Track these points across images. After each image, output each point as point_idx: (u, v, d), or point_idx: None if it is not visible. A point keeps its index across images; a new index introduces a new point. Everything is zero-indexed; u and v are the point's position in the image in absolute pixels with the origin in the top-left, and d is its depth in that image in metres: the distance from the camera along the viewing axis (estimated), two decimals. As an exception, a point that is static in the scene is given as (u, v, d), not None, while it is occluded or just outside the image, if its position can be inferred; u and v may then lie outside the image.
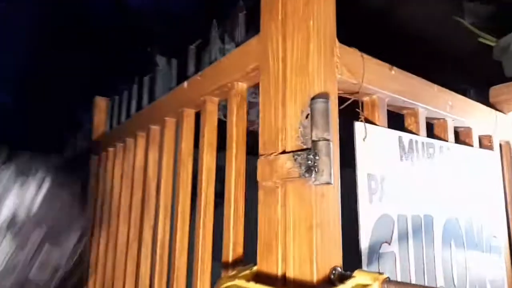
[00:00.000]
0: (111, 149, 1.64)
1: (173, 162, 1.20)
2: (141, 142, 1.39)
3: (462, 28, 1.43)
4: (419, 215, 0.81)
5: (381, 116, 0.79)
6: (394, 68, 0.81)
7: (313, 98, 0.64)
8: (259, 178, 0.71)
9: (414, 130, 0.88)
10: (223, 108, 1.07)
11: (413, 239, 0.78)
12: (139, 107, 1.51)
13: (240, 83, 0.88)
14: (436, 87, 0.91)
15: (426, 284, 0.79)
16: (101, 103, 1.88)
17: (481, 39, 1.36)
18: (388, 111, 0.87)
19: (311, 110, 0.63)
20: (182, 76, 1.21)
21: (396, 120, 0.92)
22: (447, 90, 0.94)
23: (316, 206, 0.61)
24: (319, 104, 0.62)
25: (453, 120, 0.97)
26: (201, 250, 0.90)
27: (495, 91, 1.20)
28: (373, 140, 0.74)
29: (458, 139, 1.06)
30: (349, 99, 0.78)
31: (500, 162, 1.11)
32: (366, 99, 0.80)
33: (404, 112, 0.90)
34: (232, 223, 0.81)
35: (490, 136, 1.10)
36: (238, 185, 0.83)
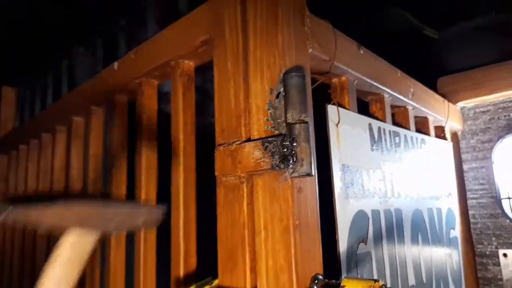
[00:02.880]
0: (23, 147, 1.38)
1: (102, 160, 1.01)
2: (61, 137, 1.17)
3: (405, 20, 1.43)
4: (390, 209, 0.74)
5: (351, 100, 0.71)
6: (362, 47, 0.73)
7: (286, 73, 0.52)
8: (217, 172, 0.58)
9: (380, 117, 0.81)
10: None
11: (386, 236, 0.71)
12: (56, 96, 1.28)
13: (186, 61, 0.74)
14: (399, 72, 0.86)
15: (400, 285, 0.72)
16: (9, 94, 1.59)
17: (425, 32, 1.36)
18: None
19: (285, 87, 0.52)
20: (111, 57, 1.03)
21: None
22: (408, 76, 0.89)
23: (293, 203, 0.50)
24: (295, 79, 0.51)
25: (413, 109, 0.93)
26: (142, 267, 0.74)
27: (442, 82, 1.20)
28: (345, 126, 0.65)
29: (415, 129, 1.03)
30: (317, 80, 0.68)
31: (452, 152, 1.11)
32: (335, 80, 0.71)
33: (369, 98, 0.83)
34: (182, 230, 0.66)
35: (443, 127, 1.08)
36: (188, 183, 0.69)
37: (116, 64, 0.91)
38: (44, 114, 1.27)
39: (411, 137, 0.87)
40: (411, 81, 0.90)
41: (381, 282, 0.46)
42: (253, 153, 0.53)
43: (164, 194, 0.76)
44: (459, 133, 1.19)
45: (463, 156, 1.18)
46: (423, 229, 0.84)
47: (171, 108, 0.75)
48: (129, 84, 0.86)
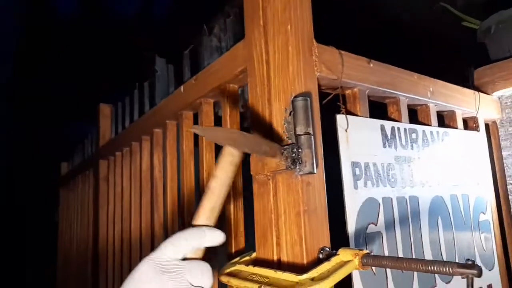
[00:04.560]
0: (118, 153, 1.72)
1: (176, 162, 1.27)
2: (146, 145, 1.46)
3: (446, 12, 1.47)
4: (404, 196, 0.87)
5: (363, 107, 0.85)
6: (373, 61, 0.87)
7: (294, 97, 0.70)
8: (252, 172, 0.78)
9: (396, 118, 0.93)
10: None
11: (399, 219, 0.84)
12: (141, 111, 1.59)
13: (231, 85, 0.95)
14: (416, 75, 0.97)
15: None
16: (105, 110, 1.96)
17: (465, 23, 1.40)
18: (373, 101, 0.94)
19: (293, 107, 0.69)
20: (179, 79, 1.28)
21: (384, 108, 0.98)
22: (427, 77, 0.99)
23: (303, 194, 0.68)
24: (300, 102, 0.68)
25: (435, 105, 1.03)
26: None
27: (478, 73, 1.25)
28: (355, 130, 0.80)
29: (443, 123, 1.11)
30: (330, 94, 0.84)
31: (486, 141, 1.16)
32: (348, 92, 0.86)
33: (387, 101, 0.96)
34: (233, 216, 0.88)
35: (475, 118, 1.15)
36: (236, 180, 0.90)
37: (182, 88, 1.15)
38: (133, 127, 1.59)
39: (431, 132, 0.97)
40: (429, 81, 1.00)
41: (366, 251, 0.62)
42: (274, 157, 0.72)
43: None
44: (498, 122, 1.23)
45: (502, 143, 1.22)
46: (444, 213, 0.95)
47: (222, 122, 0.97)
48: (193, 103, 1.10)
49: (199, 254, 0.57)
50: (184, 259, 0.55)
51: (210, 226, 0.59)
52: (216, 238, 0.58)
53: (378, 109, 0.97)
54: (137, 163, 1.52)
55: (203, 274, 0.54)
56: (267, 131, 0.75)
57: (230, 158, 0.62)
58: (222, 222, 0.91)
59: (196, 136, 1.13)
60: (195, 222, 0.59)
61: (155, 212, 1.34)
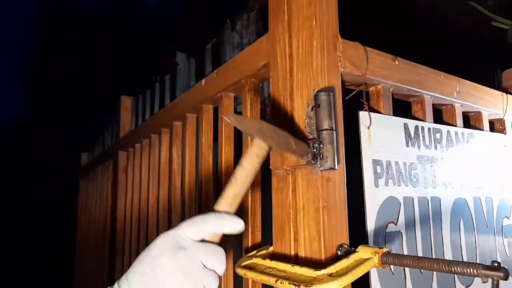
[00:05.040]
0: (137, 145, 1.74)
1: (195, 155, 1.28)
2: (165, 137, 1.47)
3: (475, 12, 1.43)
4: (426, 197, 0.85)
5: (386, 105, 0.84)
6: (398, 58, 0.85)
7: (317, 92, 0.69)
8: (272, 166, 0.77)
9: (420, 117, 0.91)
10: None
11: (420, 219, 0.83)
12: (161, 104, 1.60)
13: (252, 79, 0.94)
14: (442, 74, 0.94)
15: (434, 261, 0.83)
16: (126, 102, 1.99)
17: (495, 23, 1.36)
18: (397, 99, 0.92)
19: (316, 102, 0.69)
20: (200, 73, 1.28)
21: (408, 106, 0.96)
22: (454, 77, 0.97)
23: (322, 189, 0.67)
24: (322, 97, 0.68)
25: (461, 105, 1.00)
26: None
27: (507, 75, 1.21)
28: (378, 128, 0.79)
29: (469, 124, 1.09)
30: (353, 90, 0.83)
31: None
32: (371, 89, 0.85)
33: (411, 99, 0.94)
34: (250, 210, 0.88)
35: (502, 120, 1.11)
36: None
37: (203, 81, 1.15)
38: (153, 119, 1.61)
39: (456, 132, 0.95)
40: (456, 81, 0.97)
41: (386, 249, 0.61)
42: (295, 152, 0.71)
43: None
44: (527, 124, 1.19)
45: (531, 147, 1.18)
46: (466, 215, 0.93)
47: (242, 114, 0.96)
48: (213, 96, 1.10)
49: (216, 239, 0.57)
50: (201, 242, 0.55)
51: (231, 212, 0.59)
52: (235, 225, 0.57)
53: (402, 107, 0.95)
54: (156, 155, 1.54)
55: (217, 258, 0.54)
56: (288, 126, 0.75)
57: (257, 150, 0.62)
58: (239, 215, 0.92)
59: (215, 130, 1.13)
60: (216, 207, 0.59)
61: (173, 205, 1.35)
